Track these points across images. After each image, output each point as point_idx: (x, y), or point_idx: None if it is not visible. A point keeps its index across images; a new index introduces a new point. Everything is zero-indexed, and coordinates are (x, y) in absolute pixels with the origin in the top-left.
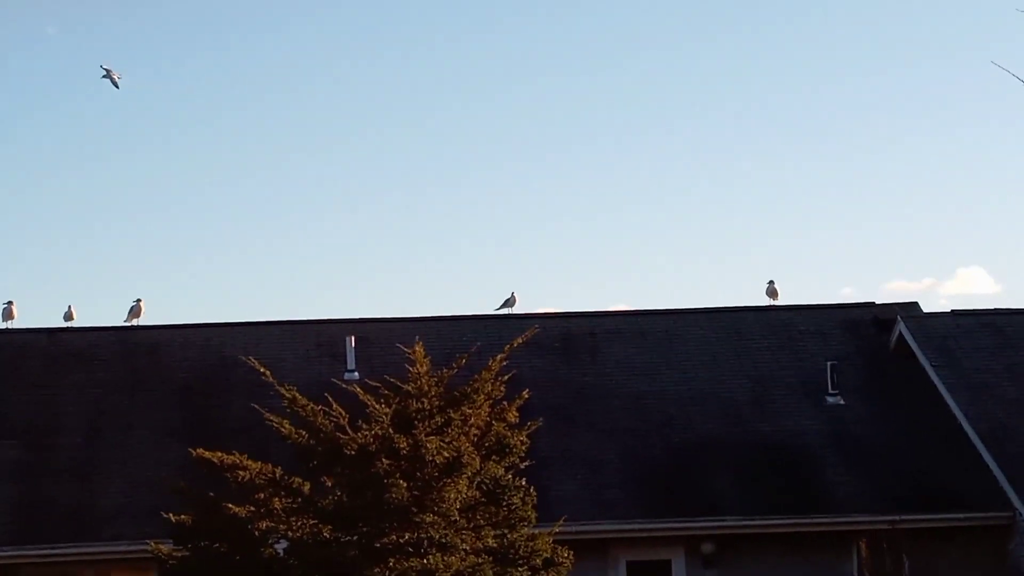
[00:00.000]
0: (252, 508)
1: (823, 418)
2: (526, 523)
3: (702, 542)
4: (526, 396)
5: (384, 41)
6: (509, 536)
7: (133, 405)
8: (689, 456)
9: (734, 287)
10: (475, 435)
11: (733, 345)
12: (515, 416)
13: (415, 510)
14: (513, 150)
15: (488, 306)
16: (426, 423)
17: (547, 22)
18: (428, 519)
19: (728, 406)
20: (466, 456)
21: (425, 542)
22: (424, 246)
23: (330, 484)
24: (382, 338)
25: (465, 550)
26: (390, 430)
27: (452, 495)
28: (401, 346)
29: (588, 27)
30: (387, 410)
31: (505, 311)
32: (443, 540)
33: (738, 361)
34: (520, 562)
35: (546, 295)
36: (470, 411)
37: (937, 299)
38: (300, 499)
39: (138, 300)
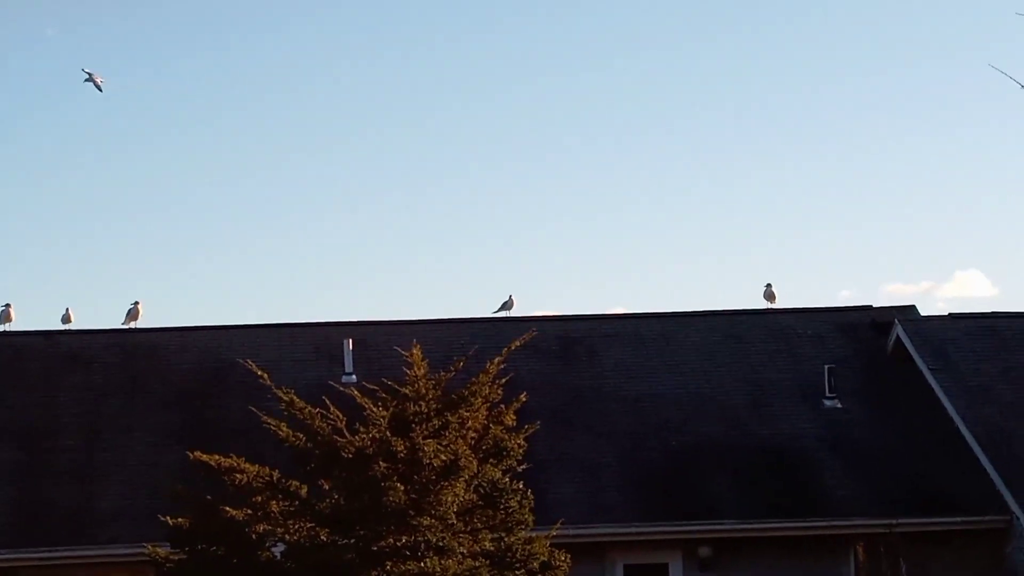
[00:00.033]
0: (249, 511)
1: (820, 421)
2: (523, 526)
3: (699, 545)
4: (523, 399)
5: (383, 44)
6: (506, 539)
7: (131, 408)
8: (687, 459)
9: (732, 290)
10: (472, 438)
11: (731, 348)
12: (513, 419)
13: (412, 513)
14: (511, 152)
15: (486, 309)
16: (423, 426)
17: (545, 25)
18: (425, 522)
19: (726, 409)
20: (463, 459)
21: (422, 545)
22: (422, 249)
23: (327, 487)
24: (380, 341)
25: (462, 553)
26: (387, 433)
27: (449, 498)
28: (399, 349)
29: (586, 31)
30: (384, 413)
31: (503, 314)
32: (440, 543)
33: (736, 364)
34: (517, 565)
35: (544, 298)
36: (467, 414)
37: (935, 302)
38: (297, 502)
39: (136, 303)
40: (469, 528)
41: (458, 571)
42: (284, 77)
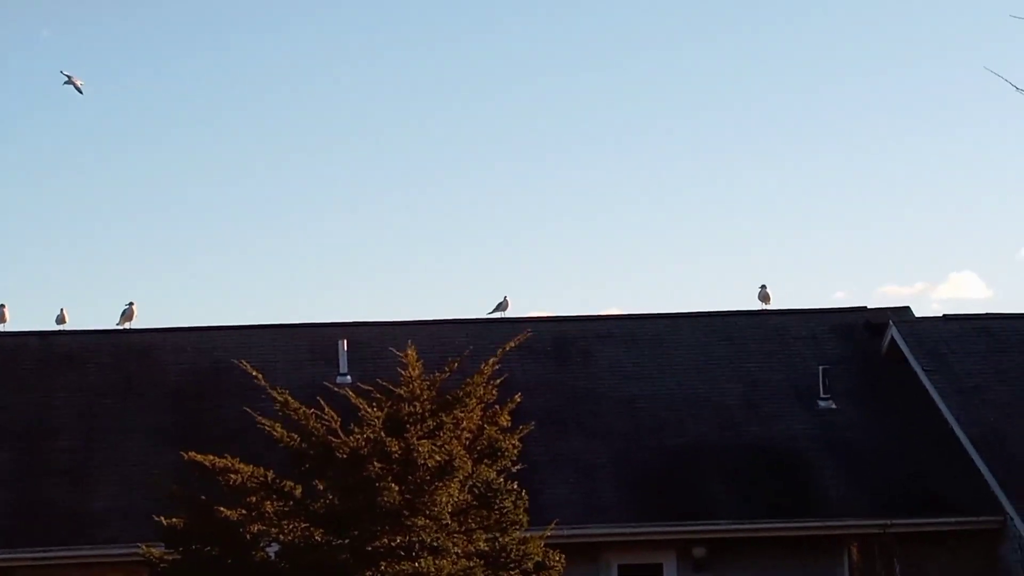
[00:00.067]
0: (244, 511)
1: (815, 422)
2: (518, 527)
3: (694, 546)
4: (518, 400)
5: (381, 44)
6: (501, 540)
7: (126, 408)
8: (681, 460)
9: (727, 291)
10: (467, 439)
11: (725, 349)
12: (507, 420)
13: (407, 513)
14: (506, 153)
15: (481, 310)
16: (418, 427)
17: (540, 27)
18: (420, 523)
19: (720, 410)
20: (458, 460)
21: (417, 546)
22: (417, 250)
23: (322, 487)
24: (374, 341)
25: (457, 554)
26: (382, 434)
27: (444, 499)
28: (393, 350)
29: (580, 33)
30: (379, 414)
31: (498, 315)
32: (435, 544)
33: (730, 365)
34: (512, 566)
35: (539, 299)
36: (462, 415)
37: (929, 304)
38: (292, 502)
39: (131, 303)
40: (464, 528)
41: (452, 571)
42: (279, 82)
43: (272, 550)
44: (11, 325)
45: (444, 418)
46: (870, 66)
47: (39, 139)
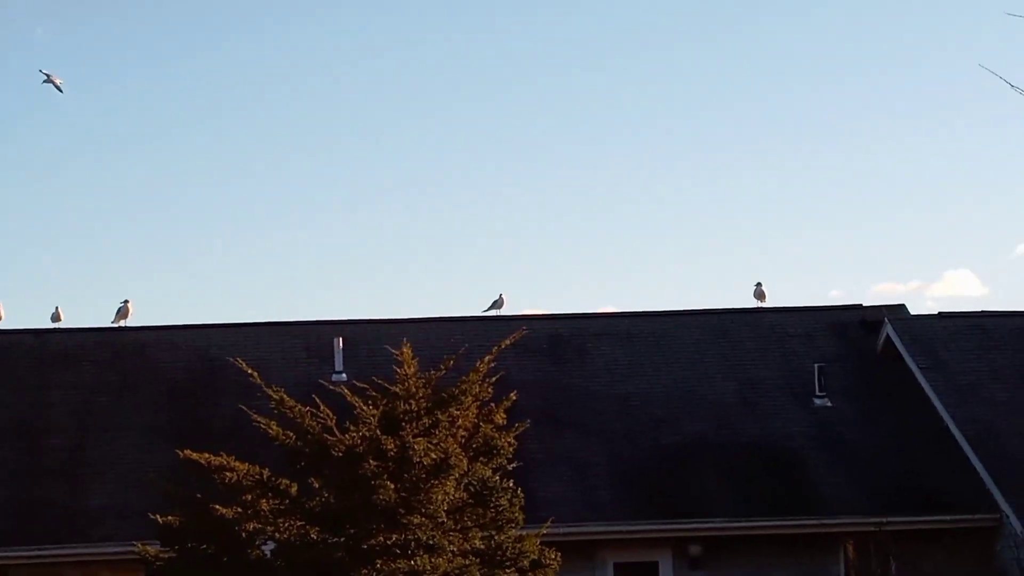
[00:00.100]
0: (239, 509)
1: (811, 420)
2: (513, 525)
3: (689, 544)
4: (514, 398)
5: (379, 42)
6: (496, 538)
7: (121, 406)
8: (677, 458)
9: (722, 289)
10: (463, 437)
11: (721, 347)
12: (503, 418)
13: (402, 511)
14: (501, 152)
15: (476, 307)
16: (414, 424)
17: (536, 27)
18: (415, 520)
19: (716, 408)
20: (454, 458)
21: (412, 543)
22: (412, 248)
23: (317, 485)
24: (370, 339)
25: (452, 551)
26: (378, 431)
27: (440, 496)
28: (389, 347)
29: (577, 33)
30: (375, 411)
31: (493, 312)
32: (430, 541)
33: (726, 363)
34: (507, 564)
35: (534, 297)
36: (458, 413)
37: (924, 301)
38: (287, 500)
39: (126, 301)
40: (459, 526)
41: (448, 569)
42: (277, 79)
43: (268, 548)
44: (6, 323)
45: (440, 416)
46: (866, 65)
47: (34, 138)
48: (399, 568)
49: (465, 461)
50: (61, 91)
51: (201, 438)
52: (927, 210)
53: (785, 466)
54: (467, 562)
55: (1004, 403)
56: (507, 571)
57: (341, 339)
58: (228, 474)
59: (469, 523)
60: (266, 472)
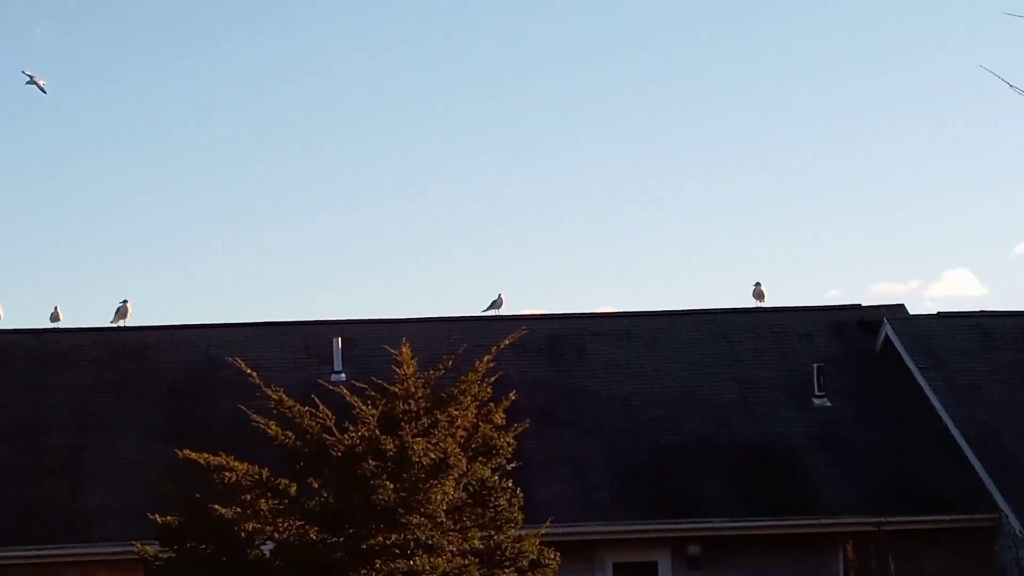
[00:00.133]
0: (238, 509)
1: (809, 420)
2: (513, 524)
3: (688, 543)
4: (513, 397)
5: (379, 42)
6: (496, 538)
7: (120, 406)
8: (676, 458)
9: (721, 289)
10: (462, 437)
11: (720, 347)
12: (502, 418)
13: (401, 511)
14: (500, 152)
15: (475, 307)
16: (413, 424)
17: (535, 26)
18: (414, 520)
19: (715, 408)
20: (453, 457)
21: (411, 543)
22: (411, 247)
23: (317, 485)
24: (369, 339)
25: (452, 551)
26: (377, 431)
27: (439, 496)
28: (388, 347)
29: (575, 33)
30: (374, 411)
31: (492, 312)
32: (429, 541)
33: (725, 363)
34: (506, 564)
35: (533, 297)
36: (457, 412)
37: (923, 301)
38: (287, 500)
39: (125, 301)
40: (458, 526)
41: (447, 569)
42: (276, 78)
43: (267, 548)
44: (5, 323)
45: (439, 416)
46: (865, 65)
47: (33, 138)
48: (398, 568)
49: (464, 461)
50: (45, 92)
51: (200, 438)
52: (926, 210)
53: (784, 466)
54: (466, 562)
55: (1003, 403)
56: (506, 571)
57: (340, 339)
58: (227, 474)
59: (468, 523)
60: (265, 472)
